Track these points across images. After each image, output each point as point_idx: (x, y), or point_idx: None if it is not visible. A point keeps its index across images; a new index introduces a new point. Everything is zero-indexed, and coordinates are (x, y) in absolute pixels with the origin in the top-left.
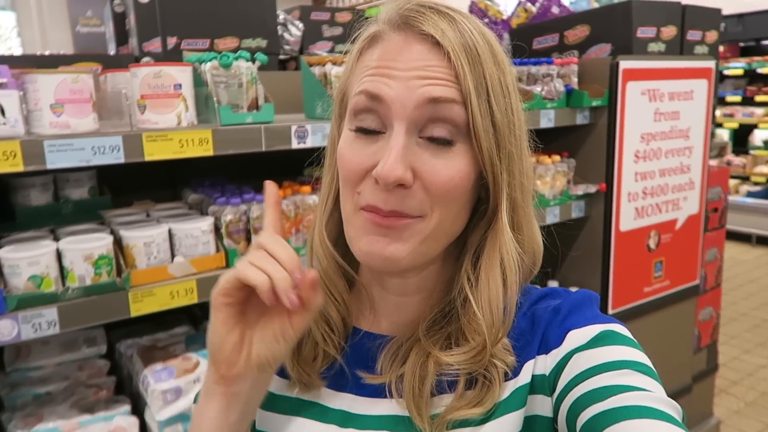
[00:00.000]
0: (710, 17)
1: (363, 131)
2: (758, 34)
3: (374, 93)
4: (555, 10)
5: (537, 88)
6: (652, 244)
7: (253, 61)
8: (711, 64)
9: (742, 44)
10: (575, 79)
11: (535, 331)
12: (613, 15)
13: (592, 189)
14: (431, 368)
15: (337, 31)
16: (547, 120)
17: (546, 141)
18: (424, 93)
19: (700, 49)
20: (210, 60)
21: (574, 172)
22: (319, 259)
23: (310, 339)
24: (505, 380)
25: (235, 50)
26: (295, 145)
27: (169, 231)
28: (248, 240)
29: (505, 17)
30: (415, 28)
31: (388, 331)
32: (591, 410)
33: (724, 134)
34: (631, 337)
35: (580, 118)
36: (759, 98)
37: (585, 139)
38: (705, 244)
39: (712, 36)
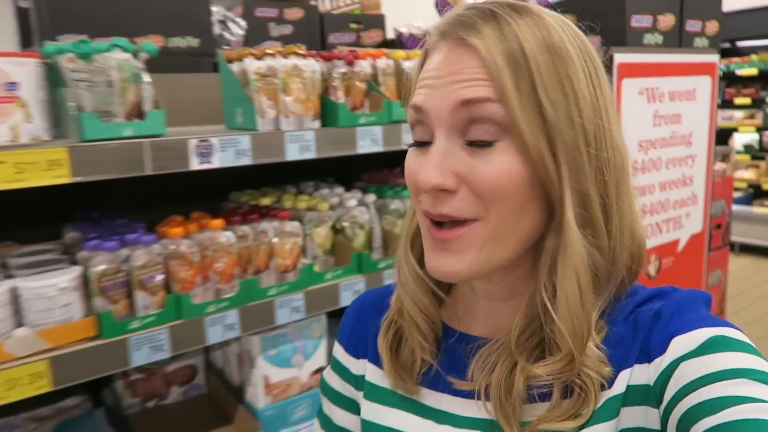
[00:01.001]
0: (710, 5)
1: (417, 143)
2: (735, 35)
3: (418, 105)
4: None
5: None
6: (652, 270)
7: (135, 53)
8: (714, 58)
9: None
10: None
11: (636, 337)
12: (604, 1)
13: None
14: (518, 378)
15: (287, 29)
16: None
17: None
18: (456, 96)
19: (700, 42)
20: (69, 51)
21: None
22: (401, 269)
23: (407, 346)
24: (601, 390)
25: (159, 50)
26: (195, 165)
27: (13, 290)
28: (130, 299)
29: None
30: (454, 34)
31: (483, 333)
32: (704, 423)
33: None
34: (747, 341)
35: None
36: (738, 101)
37: None
38: (708, 266)
39: (713, 27)
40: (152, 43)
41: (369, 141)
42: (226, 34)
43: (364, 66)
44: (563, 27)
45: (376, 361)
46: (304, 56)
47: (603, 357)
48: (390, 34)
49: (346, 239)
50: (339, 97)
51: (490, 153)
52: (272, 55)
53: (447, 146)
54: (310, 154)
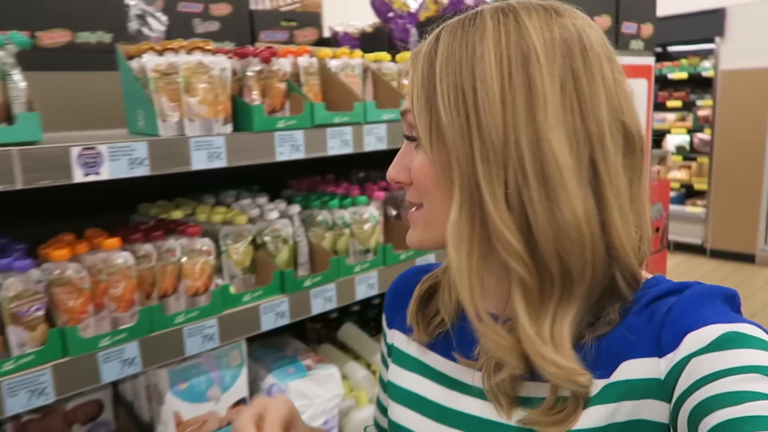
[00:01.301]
0: (646, 8)
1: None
2: (666, 39)
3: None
4: (469, 0)
5: None
6: None
7: (2, 46)
8: (650, 61)
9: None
10: None
11: (651, 329)
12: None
13: None
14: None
15: (213, 26)
16: None
17: None
18: (401, 108)
19: (636, 45)
20: None
21: None
22: None
23: (435, 300)
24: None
25: (65, 46)
26: (80, 177)
27: None
28: (3, 335)
29: (412, 10)
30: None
31: (494, 310)
32: (714, 417)
33: None
34: (761, 337)
35: None
36: (670, 103)
37: None
38: (648, 270)
39: (647, 29)
40: (58, 38)
41: (289, 147)
42: (146, 30)
43: (283, 64)
44: (498, 27)
45: (404, 329)
46: (212, 52)
47: (573, 367)
48: (327, 33)
49: (268, 255)
50: (254, 98)
51: (417, 151)
52: (174, 50)
53: (406, 147)
54: (221, 163)
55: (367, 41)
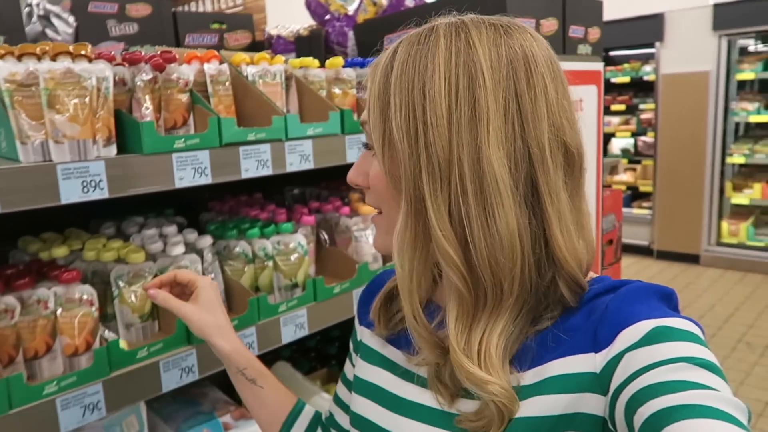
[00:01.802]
0: (593, 11)
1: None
2: (609, 43)
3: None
4: (410, 2)
5: None
6: None
7: None
8: (599, 66)
9: None
10: None
11: (589, 326)
12: (483, 3)
13: None
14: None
15: (131, 28)
16: None
17: None
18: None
19: (583, 49)
20: None
21: None
22: None
23: (398, 301)
24: (529, 368)
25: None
26: None
27: None
28: None
29: (350, 12)
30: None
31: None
32: (648, 407)
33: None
34: (691, 330)
35: None
36: (614, 107)
37: None
38: None
39: (595, 33)
40: None
41: (192, 171)
42: (50, 32)
43: (184, 72)
44: (450, 47)
45: (371, 325)
46: (87, 58)
47: (483, 377)
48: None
49: None
50: (145, 113)
51: (373, 160)
52: (36, 55)
53: (366, 153)
54: (100, 194)
55: (303, 45)
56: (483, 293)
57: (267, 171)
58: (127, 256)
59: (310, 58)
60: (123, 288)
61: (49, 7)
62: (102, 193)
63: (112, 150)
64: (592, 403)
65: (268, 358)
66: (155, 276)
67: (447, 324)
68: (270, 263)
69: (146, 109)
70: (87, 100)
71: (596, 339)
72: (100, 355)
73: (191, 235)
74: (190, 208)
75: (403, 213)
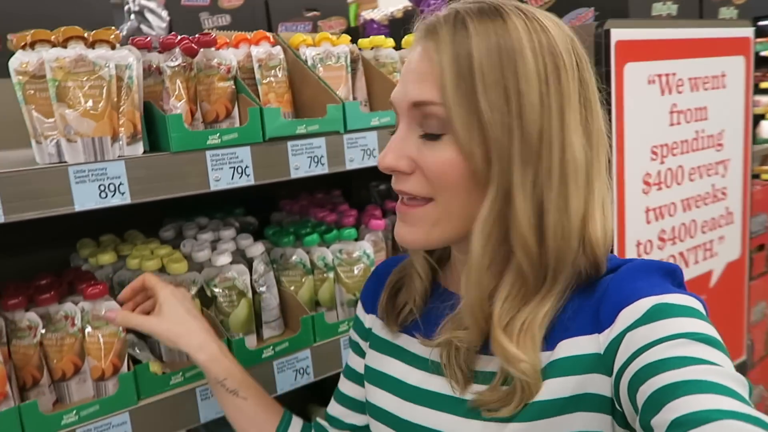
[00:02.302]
0: None
1: (394, 130)
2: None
3: (391, 100)
4: None
5: None
6: None
7: None
8: (748, 32)
9: None
10: None
11: (589, 306)
12: None
13: None
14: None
15: (224, 20)
16: None
17: None
18: (410, 97)
19: (726, 12)
20: None
21: None
22: None
23: (403, 293)
24: (543, 351)
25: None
26: None
27: None
28: None
29: None
30: (420, 34)
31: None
32: (649, 385)
33: None
34: (691, 305)
35: None
36: (765, 84)
37: None
38: (750, 299)
39: None
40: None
41: (230, 170)
42: (145, 28)
43: (226, 57)
44: (529, 29)
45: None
46: (109, 44)
47: (534, 362)
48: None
49: (220, 314)
50: (172, 105)
51: (437, 145)
52: (49, 43)
53: (406, 134)
54: (120, 199)
55: (397, 28)
56: (543, 277)
57: (322, 169)
58: (168, 266)
59: (382, 37)
60: None
61: (144, 2)
62: (123, 199)
63: (138, 148)
64: (598, 384)
65: (328, 386)
66: (200, 288)
67: (494, 302)
68: (331, 275)
69: (173, 101)
70: (104, 91)
71: (598, 319)
72: (126, 381)
73: (245, 241)
74: (272, 204)
75: (490, 198)
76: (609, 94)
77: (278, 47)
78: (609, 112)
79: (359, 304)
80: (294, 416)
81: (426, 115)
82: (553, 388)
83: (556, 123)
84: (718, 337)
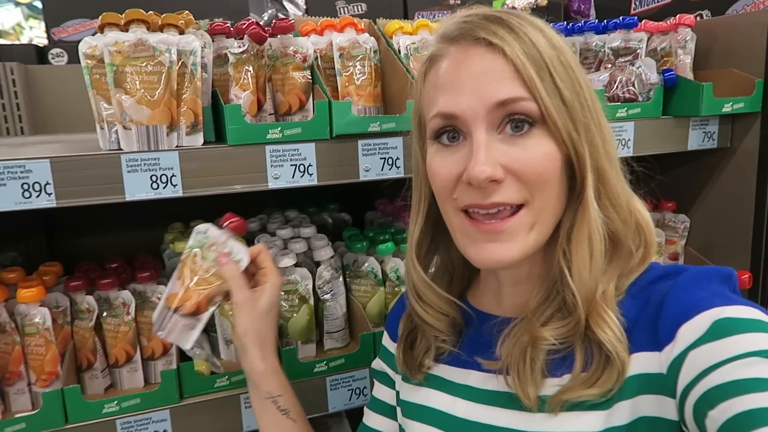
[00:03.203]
0: None
1: (446, 145)
2: None
3: (448, 113)
4: None
5: (599, 78)
6: None
7: None
8: None
9: None
10: (688, 60)
11: (647, 318)
12: None
13: None
14: (531, 344)
15: (360, 8)
16: (621, 142)
17: None
18: (492, 97)
19: None
20: None
21: (686, 241)
22: (409, 277)
23: (422, 342)
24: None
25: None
26: None
27: None
28: None
29: None
30: (468, 36)
31: (508, 314)
32: (722, 410)
33: None
34: (756, 318)
35: (698, 139)
36: None
37: (708, 179)
38: None
39: None
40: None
41: (290, 168)
42: (281, 15)
43: (302, 45)
44: (547, 25)
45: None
46: (176, 28)
47: (620, 326)
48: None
49: (279, 318)
50: (234, 94)
51: (526, 142)
52: (117, 26)
53: (488, 141)
54: (172, 191)
55: (540, 17)
56: (621, 245)
57: (396, 173)
58: None
59: None
60: (220, 300)
61: None
62: (175, 191)
63: (198, 139)
64: (662, 406)
65: None
66: None
67: (580, 277)
68: (404, 289)
69: (236, 91)
70: (162, 77)
71: (657, 335)
72: (168, 378)
73: (319, 242)
74: (354, 203)
75: (591, 182)
76: None
77: (365, 35)
78: None
79: (385, 334)
80: None
81: (511, 113)
82: (622, 411)
83: (598, 105)
84: None
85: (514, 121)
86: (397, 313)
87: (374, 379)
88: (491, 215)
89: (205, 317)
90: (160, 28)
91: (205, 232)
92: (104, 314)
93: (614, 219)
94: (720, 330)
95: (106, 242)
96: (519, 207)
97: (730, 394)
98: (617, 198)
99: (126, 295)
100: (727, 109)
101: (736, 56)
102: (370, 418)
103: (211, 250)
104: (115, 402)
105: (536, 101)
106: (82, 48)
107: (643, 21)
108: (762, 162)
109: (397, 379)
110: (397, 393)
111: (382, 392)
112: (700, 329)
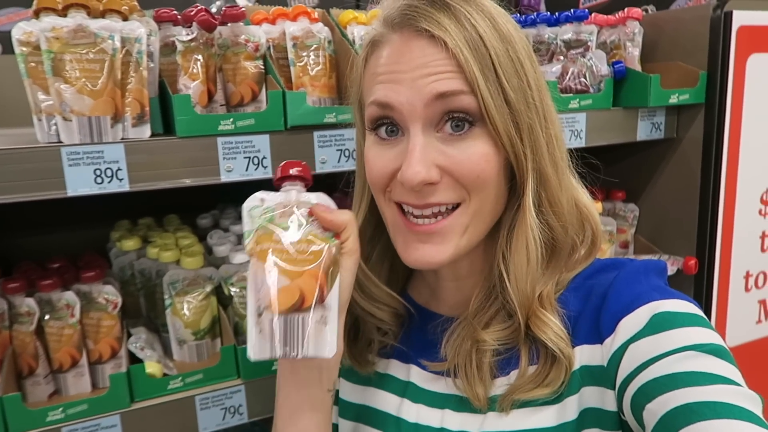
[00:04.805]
0: None
1: (384, 138)
2: None
3: (384, 102)
4: None
5: (552, 70)
6: None
7: None
8: None
9: None
10: (636, 53)
11: (588, 312)
12: None
13: (671, 266)
14: (477, 348)
15: None
16: (574, 133)
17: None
18: (430, 90)
19: None
20: None
21: (635, 229)
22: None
23: (364, 333)
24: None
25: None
26: None
27: None
28: None
29: None
30: (411, 26)
31: (449, 312)
32: (660, 403)
33: None
34: (693, 312)
35: (646, 129)
36: None
37: (656, 169)
38: None
39: None
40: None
41: (244, 160)
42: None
43: (254, 33)
44: (502, 13)
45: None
46: (120, 14)
47: (560, 324)
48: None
49: (236, 316)
50: (183, 84)
51: (465, 141)
52: (54, 11)
53: (425, 140)
54: (118, 185)
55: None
56: (560, 250)
57: (352, 164)
58: (181, 259)
59: None
60: (175, 297)
61: None
62: (121, 185)
63: (145, 131)
64: (603, 398)
65: None
66: (218, 286)
67: (522, 279)
68: None
69: (184, 81)
70: (105, 66)
71: (599, 328)
72: (117, 382)
73: None
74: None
75: (531, 184)
76: (724, 91)
77: (319, 25)
78: (721, 113)
79: None
80: None
81: (450, 110)
82: (571, 407)
83: (547, 100)
84: (724, 345)
85: (454, 120)
86: None
87: None
88: (425, 216)
89: (333, 300)
90: (102, 14)
91: (262, 202)
92: (46, 317)
93: (554, 226)
94: (658, 324)
95: (47, 242)
96: (455, 206)
97: (667, 388)
98: (558, 205)
99: (70, 296)
100: (673, 100)
101: (681, 49)
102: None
103: (289, 216)
104: (60, 409)
105: (476, 97)
106: (16, 34)
107: (593, 14)
108: (706, 151)
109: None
110: (337, 391)
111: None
112: (640, 323)
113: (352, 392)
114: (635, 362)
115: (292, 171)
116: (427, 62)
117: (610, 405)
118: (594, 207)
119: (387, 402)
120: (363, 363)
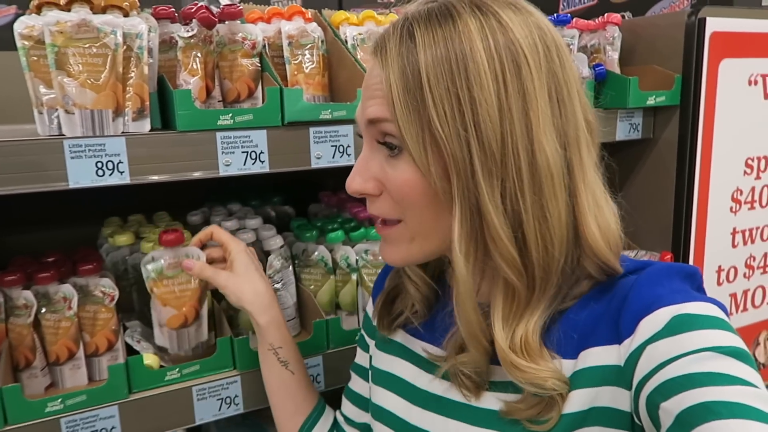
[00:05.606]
0: None
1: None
2: None
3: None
4: None
5: None
6: (761, 356)
7: None
8: None
9: None
10: (616, 57)
11: (611, 313)
12: None
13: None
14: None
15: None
16: None
17: None
18: (365, 114)
19: None
20: None
21: None
22: None
23: (400, 301)
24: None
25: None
26: None
27: None
28: None
29: None
30: (373, 45)
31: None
32: (676, 403)
33: None
34: (714, 315)
35: (624, 130)
36: None
37: (633, 168)
38: None
39: None
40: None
41: (242, 155)
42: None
43: (251, 31)
44: (483, 27)
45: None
46: (121, 10)
47: (546, 368)
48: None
49: (230, 308)
50: (183, 80)
51: (398, 164)
52: (57, 6)
53: (370, 154)
54: (119, 178)
55: None
56: (533, 287)
57: (347, 160)
58: None
59: None
60: None
61: None
62: (122, 178)
63: (144, 125)
64: (618, 397)
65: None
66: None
67: (493, 322)
68: (354, 276)
69: (188, 75)
70: (108, 60)
71: (618, 329)
72: (116, 373)
73: (267, 232)
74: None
75: (458, 216)
76: (698, 94)
77: (313, 24)
78: (695, 115)
79: (370, 300)
80: (327, 407)
81: (382, 133)
82: (578, 400)
83: (520, 126)
84: (744, 348)
85: (386, 140)
86: (379, 278)
87: (357, 346)
88: (380, 221)
89: (203, 311)
90: (103, 10)
91: (151, 261)
92: (43, 310)
93: (510, 260)
94: (678, 326)
95: (34, 240)
96: (397, 221)
97: (683, 387)
98: (499, 245)
99: (67, 289)
100: (650, 102)
101: (657, 53)
102: (354, 382)
103: (171, 268)
104: (59, 400)
105: (395, 124)
106: (18, 28)
107: (575, 19)
108: (681, 151)
109: (371, 344)
110: (371, 357)
111: (361, 357)
112: (660, 324)
113: (380, 359)
114: (653, 362)
115: (164, 241)
116: (372, 84)
117: (624, 405)
118: (601, 241)
119: (406, 371)
120: (387, 325)
